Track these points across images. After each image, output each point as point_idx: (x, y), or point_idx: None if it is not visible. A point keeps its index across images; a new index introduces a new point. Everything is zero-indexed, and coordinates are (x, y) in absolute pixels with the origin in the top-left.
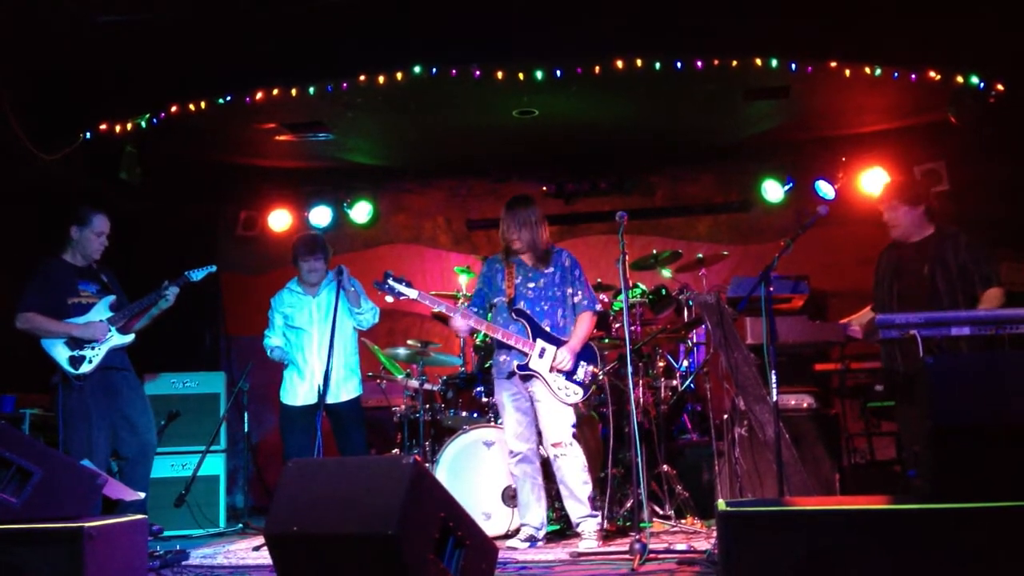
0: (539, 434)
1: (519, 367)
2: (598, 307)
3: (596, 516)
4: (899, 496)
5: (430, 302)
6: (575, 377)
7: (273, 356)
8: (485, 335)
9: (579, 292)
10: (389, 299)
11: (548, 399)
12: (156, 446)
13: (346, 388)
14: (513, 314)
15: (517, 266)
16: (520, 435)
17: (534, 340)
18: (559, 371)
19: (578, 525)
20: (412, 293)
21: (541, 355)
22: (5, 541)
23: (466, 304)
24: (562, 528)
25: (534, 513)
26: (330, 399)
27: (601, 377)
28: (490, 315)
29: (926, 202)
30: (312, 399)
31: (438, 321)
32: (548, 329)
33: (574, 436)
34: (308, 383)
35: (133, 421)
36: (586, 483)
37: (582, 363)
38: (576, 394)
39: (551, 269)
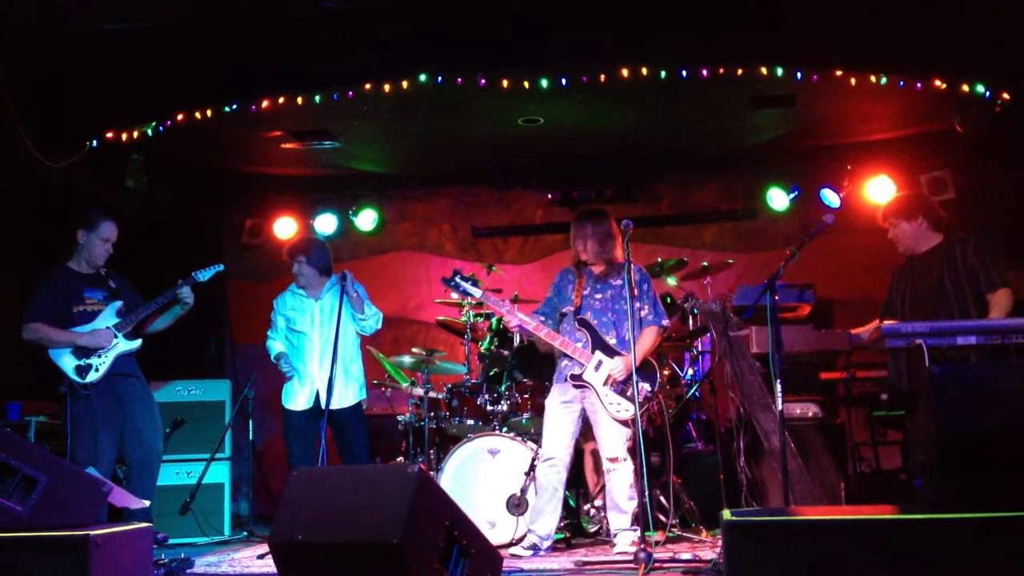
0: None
1: (572, 376)
2: (664, 322)
3: (636, 531)
4: (905, 505)
5: (494, 303)
6: (628, 393)
7: (279, 366)
8: (491, 342)
9: (646, 306)
10: (455, 295)
11: (601, 413)
12: (162, 454)
13: (347, 394)
14: (577, 324)
15: (587, 277)
16: (557, 440)
17: (593, 352)
18: (613, 384)
19: (615, 536)
20: (477, 292)
21: (597, 368)
22: (11, 549)
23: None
24: (566, 537)
25: (545, 522)
26: (331, 405)
27: (654, 397)
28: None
29: (924, 212)
30: (311, 404)
31: (443, 329)
32: (613, 342)
33: (628, 451)
34: (308, 388)
35: (139, 428)
36: (632, 499)
37: (638, 379)
38: (627, 411)
39: (619, 281)
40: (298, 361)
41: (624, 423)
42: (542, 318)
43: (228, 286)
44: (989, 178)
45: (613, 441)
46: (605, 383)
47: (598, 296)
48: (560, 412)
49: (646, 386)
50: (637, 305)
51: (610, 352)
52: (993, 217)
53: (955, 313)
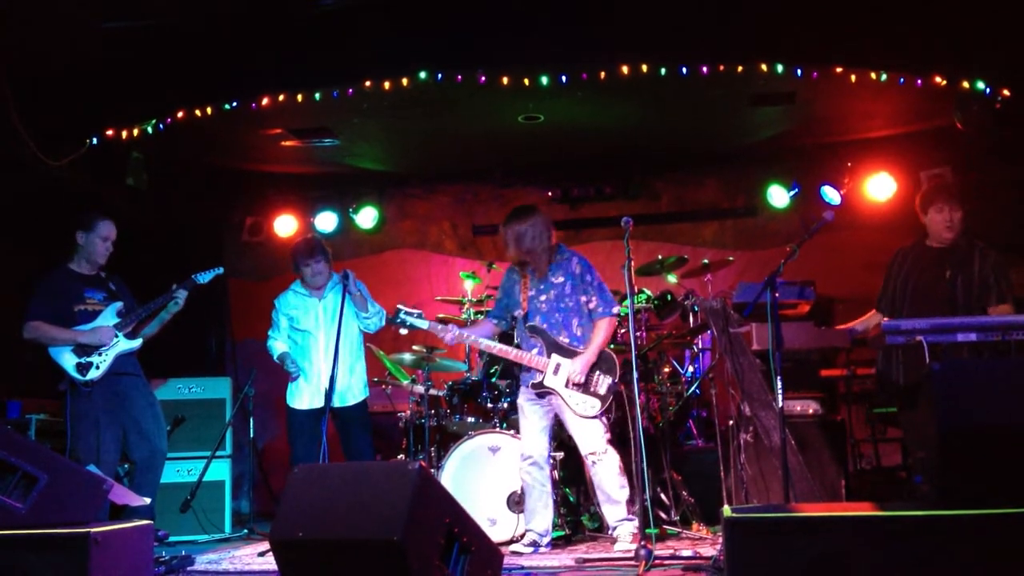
0: (551, 441)
1: (533, 385)
2: (615, 310)
3: (633, 520)
4: (905, 502)
5: (441, 332)
6: (591, 389)
7: (286, 367)
8: None
9: (593, 298)
10: (403, 332)
11: (568, 414)
12: (166, 453)
13: (352, 392)
14: (528, 331)
15: (531, 277)
16: (533, 440)
17: (548, 356)
18: (575, 384)
19: (614, 529)
20: (423, 324)
21: (556, 371)
22: (11, 546)
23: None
24: (567, 534)
25: (540, 520)
26: (336, 403)
27: (618, 387)
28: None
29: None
30: (316, 403)
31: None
32: (567, 341)
33: (608, 442)
34: (314, 386)
35: (143, 427)
36: (623, 487)
37: (599, 374)
38: (593, 407)
39: (561, 279)
40: (304, 359)
41: (593, 419)
42: (495, 321)
43: (229, 284)
44: (989, 174)
45: (588, 437)
46: (567, 385)
47: (543, 298)
48: (531, 411)
49: (609, 378)
50: (584, 298)
51: (566, 352)
52: (993, 214)
53: (959, 314)
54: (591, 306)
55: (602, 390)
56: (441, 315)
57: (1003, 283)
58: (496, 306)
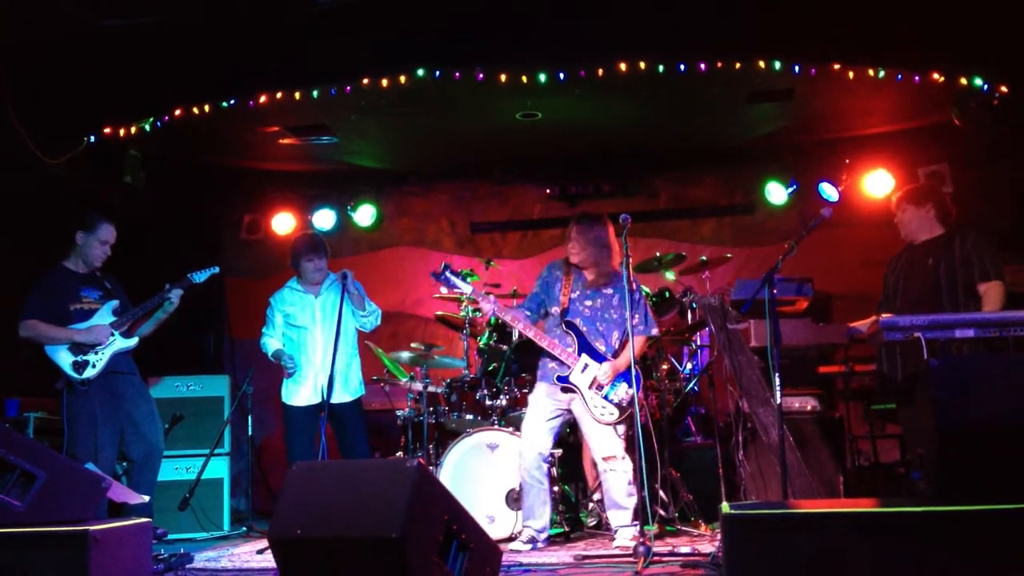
0: (555, 441)
1: (559, 379)
2: (654, 332)
3: (635, 526)
4: (903, 498)
5: (482, 299)
6: (612, 397)
7: (284, 364)
8: (489, 337)
9: (636, 315)
10: (444, 290)
11: (587, 416)
12: (163, 450)
13: (348, 390)
14: (564, 326)
15: (576, 279)
16: (536, 437)
17: (579, 355)
18: (598, 387)
19: (616, 531)
20: (468, 289)
21: (583, 371)
22: (10, 544)
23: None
24: (566, 531)
25: (538, 517)
26: (332, 400)
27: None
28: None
29: (934, 202)
30: (314, 400)
31: (442, 324)
32: (603, 349)
33: (625, 449)
34: (311, 383)
35: (140, 425)
36: (631, 495)
37: (623, 384)
38: (611, 415)
39: (611, 291)
40: (300, 356)
41: (610, 425)
42: (528, 313)
43: (227, 282)
44: (987, 171)
45: (604, 442)
46: (590, 386)
47: (588, 303)
48: (543, 406)
49: (631, 390)
50: (627, 314)
51: (596, 357)
52: (991, 210)
53: (945, 304)
54: (634, 322)
55: (623, 401)
56: (439, 312)
57: (986, 259)
58: (531, 299)
